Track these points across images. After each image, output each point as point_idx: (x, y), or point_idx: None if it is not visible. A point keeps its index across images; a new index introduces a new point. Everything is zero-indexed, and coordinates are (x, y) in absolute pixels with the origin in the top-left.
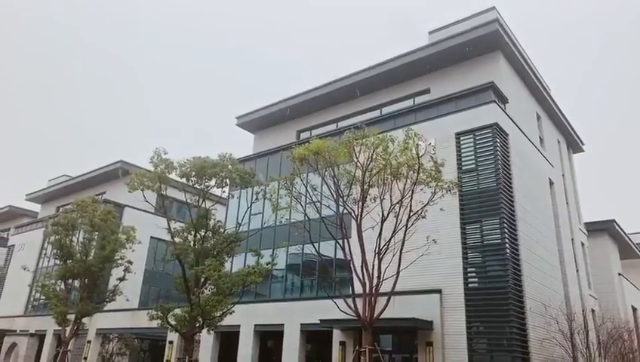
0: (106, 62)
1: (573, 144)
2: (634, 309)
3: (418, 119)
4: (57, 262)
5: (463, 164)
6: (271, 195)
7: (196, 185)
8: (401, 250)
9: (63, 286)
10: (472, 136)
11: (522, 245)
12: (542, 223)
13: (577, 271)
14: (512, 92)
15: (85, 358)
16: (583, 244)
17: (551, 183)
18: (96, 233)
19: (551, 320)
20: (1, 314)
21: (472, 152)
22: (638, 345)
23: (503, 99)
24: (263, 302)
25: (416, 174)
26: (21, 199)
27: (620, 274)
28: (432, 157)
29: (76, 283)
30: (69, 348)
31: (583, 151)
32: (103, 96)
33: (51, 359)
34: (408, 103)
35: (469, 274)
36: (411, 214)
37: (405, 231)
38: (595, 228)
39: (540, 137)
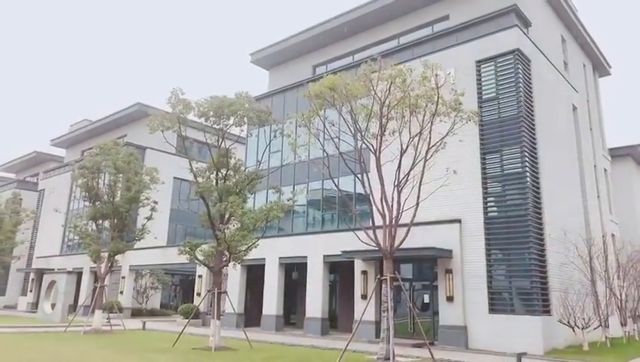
0: (119, 7)
1: (600, 67)
2: None
3: (437, 48)
4: (87, 203)
5: (484, 92)
6: (289, 134)
7: (215, 125)
8: (421, 181)
9: (94, 227)
10: (493, 63)
11: (543, 173)
12: (564, 150)
13: (599, 196)
14: (535, 14)
15: (122, 292)
16: (605, 170)
17: (574, 109)
18: (121, 175)
19: (570, 246)
20: (39, 254)
21: (494, 80)
22: None
23: (525, 23)
24: (286, 236)
25: (435, 106)
26: (46, 144)
27: None
28: (452, 88)
29: (106, 223)
30: (105, 283)
31: (610, 74)
32: (109, 40)
33: (89, 293)
34: (427, 32)
35: (488, 204)
36: (430, 146)
37: (424, 163)
38: (619, 154)
39: (564, 61)
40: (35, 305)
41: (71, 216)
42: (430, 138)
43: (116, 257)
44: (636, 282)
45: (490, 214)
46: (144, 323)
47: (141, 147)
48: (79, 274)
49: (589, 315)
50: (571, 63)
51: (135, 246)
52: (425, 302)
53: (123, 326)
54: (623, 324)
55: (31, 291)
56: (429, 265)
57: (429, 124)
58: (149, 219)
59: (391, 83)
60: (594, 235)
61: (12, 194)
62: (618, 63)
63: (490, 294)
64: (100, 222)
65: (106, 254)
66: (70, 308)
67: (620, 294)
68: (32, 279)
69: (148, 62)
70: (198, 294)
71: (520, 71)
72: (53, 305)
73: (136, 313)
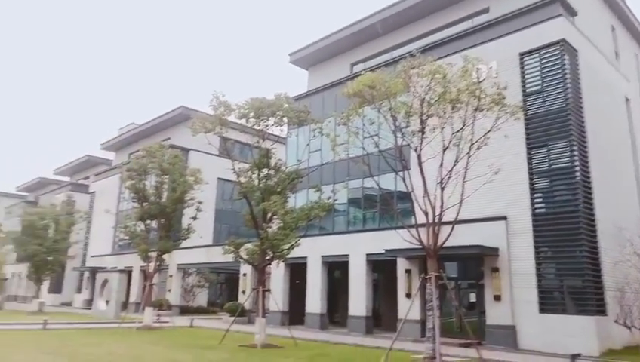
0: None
1: None
2: None
3: (477, 41)
4: (135, 204)
5: (528, 85)
6: (328, 133)
7: (255, 126)
8: (464, 178)
9: (142, 227)
10: (537, 55)
11: (593, 167)
12: (616, 142)
13: None
14: (582, 2)
15: (169, 290)
16: None
17: (627, 100)
18: (167, 176)
19: (625, 242)
20: (92, 253)
21: (538, 73)
22: None
23: (571, 12)
24: (327, 235)
25: (477, 100)
26: (97, 148)
27: None
28: (494, 82)
29: (153, 223)
30: (154, 281)
31: None
32: (157, 46)
33: (140, 291)
34: (466, 25)
35: (535, 200)
36: (473, 142)
37: (467, 159)
38: None
39: (615, 51)
40: (89, 302)
41: (120, 217)
42: (473, 134)
43: (164, 256)
44: None
45: (537, 211)
46: (192, 320)
47: (185, 149)
48: (130, 273)
49: None
50: (622, 53)
51: (181, 246)
52: (471, 301)
53: (172, 323)
54: None
55: (86, 289)
56: (475, 264)
57: (472, 120)
58: (194, 218)
59: (431, 79)
60: None
61: (66, 197)
62: None
63: (540, 293)
64: (148, 222)
65: (155, 253)
66: (122, 305)
67: None
68: (87, 277)
69: (191, 67)
70: (243, 292)
71: (566, 62)
72: (106, 302)
73: (184, 310)
